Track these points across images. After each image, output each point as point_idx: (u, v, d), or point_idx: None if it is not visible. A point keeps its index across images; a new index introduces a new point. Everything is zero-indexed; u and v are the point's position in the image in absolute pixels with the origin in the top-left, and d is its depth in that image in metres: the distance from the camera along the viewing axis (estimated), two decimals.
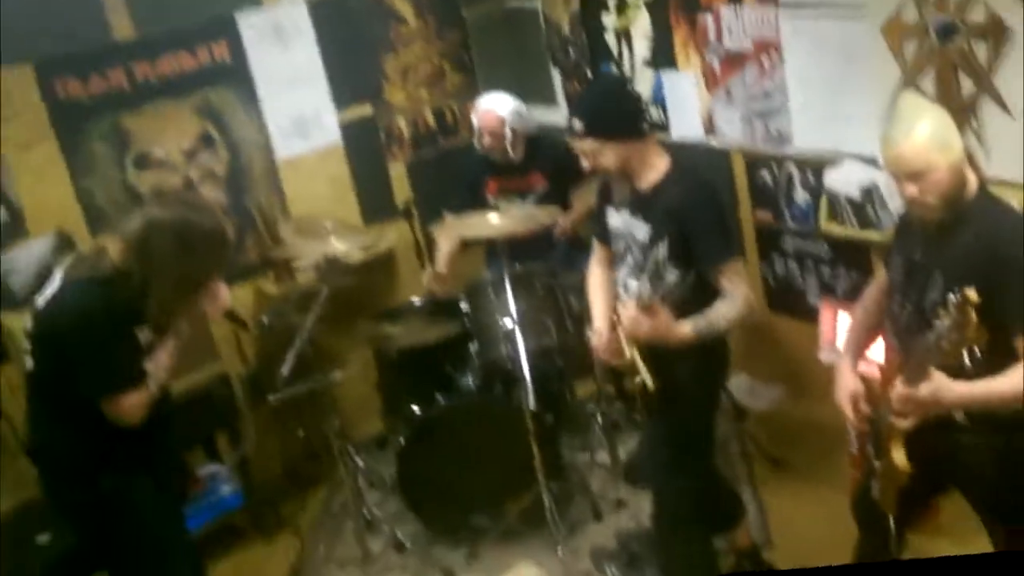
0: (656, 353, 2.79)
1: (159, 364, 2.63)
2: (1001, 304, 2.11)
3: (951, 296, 1.96)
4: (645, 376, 2.79)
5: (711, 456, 3.18)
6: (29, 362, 2.61)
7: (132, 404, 2.53)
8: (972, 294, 1.92)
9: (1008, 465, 2.28)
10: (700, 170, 2.95)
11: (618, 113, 2.83)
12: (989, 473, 2.32)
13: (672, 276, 2.55)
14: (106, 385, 2.52)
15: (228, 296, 2.73)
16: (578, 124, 2.79)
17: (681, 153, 2.96)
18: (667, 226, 2.72)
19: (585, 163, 2.85)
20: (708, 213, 2.77)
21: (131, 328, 2.56)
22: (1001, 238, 2.20)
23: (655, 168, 2.82)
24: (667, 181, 2.80)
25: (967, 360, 2.15)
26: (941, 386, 2.11)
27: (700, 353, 2.78)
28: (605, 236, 3.03)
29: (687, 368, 2.81)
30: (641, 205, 2.84)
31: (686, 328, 2.67)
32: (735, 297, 2.70)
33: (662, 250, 2.54)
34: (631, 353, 2.85)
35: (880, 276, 2.61)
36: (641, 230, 2.82)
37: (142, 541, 2.69)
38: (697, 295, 2.69)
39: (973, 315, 1.92)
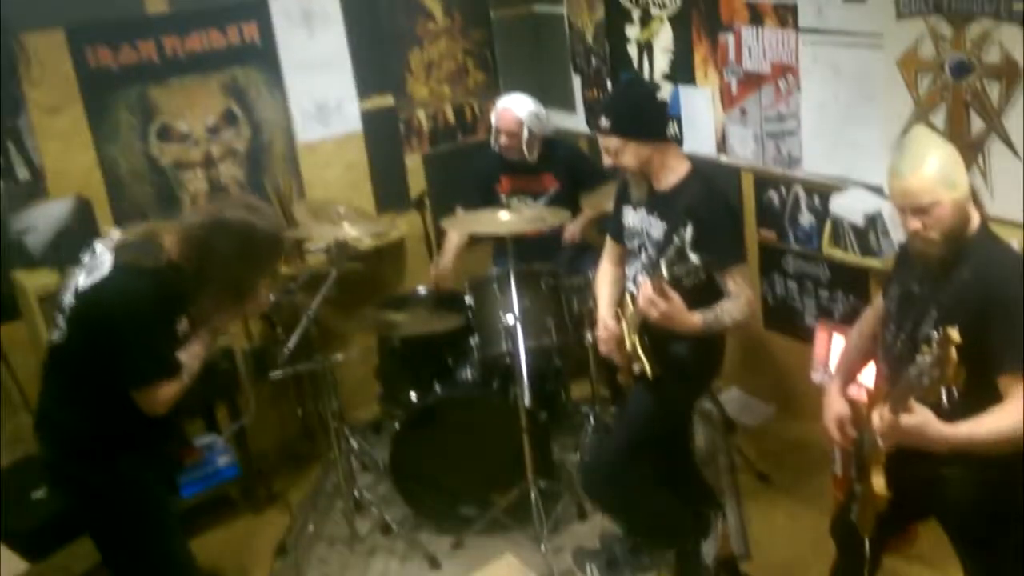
0: (655, 344, 2.88)
1: (193, 355, 2.63)
2: (987, 342, 2.13)
3: (934, 333, 1.98)
4: (645, 364, 2.87)
5: (687, 449, 3.30)
6: (56, 336, 2.59)
7: (167, 395, 2.54)
8: (954, 334, 1.93)
9: (986, 499, 2.31)
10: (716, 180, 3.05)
11: (644, 115, 2.93)
12: (967, 505, 2.34)
13: (695, 258, 2.57)
14: (146, 375, 2.52)
15: (270, 298, 2.73)
16: (605, 121, 2.88)
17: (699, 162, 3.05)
18: (684, 224, 2.78)
19: (607, 160, 2.93)
20: (723, 216, 2.87)
21: (175, 320, 2.57)
22: (996, 277, 2.22)
23: (675, 171, 2.92)
24: (686, 183, 2.90)
25: (944, 398, 2.16)
26: (924, 421, 2.12)
27: (697, 350, 2.89)
28: (620, 234, 3.12)
29: (681, 362, 2.92)
30: (659, 204, 2.92)
31: (696, 318, 2.76)
32: (740, 299, 2.80)
33: (688, 234, 2.56)
34: (631, 342, 2.93)
35: (877, 303, 2.63)
36: (657, 228, 2.91)
37: (145, 517, 2.69)
38: (704, 293, 2.77)
39: (953, 354, 1.93)
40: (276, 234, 2.59)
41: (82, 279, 2.55)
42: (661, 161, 2.91)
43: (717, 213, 2.84)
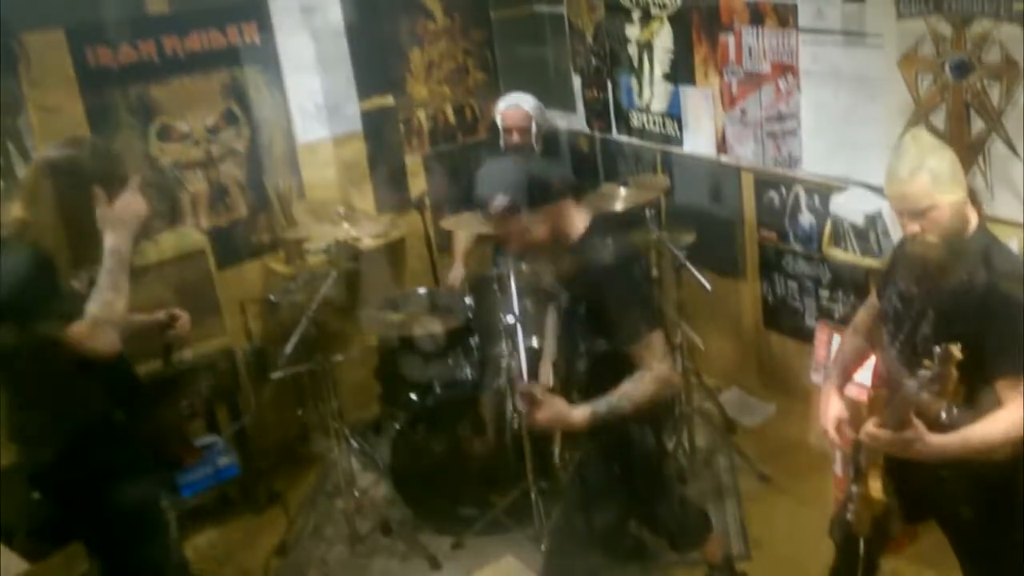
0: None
1: (106, 285, 2.44)
2: (985, 346, 2.12)
3: (936, 349, 1.95)
4: (556, 447, 2.71)
5: (660, 498, 3.08)
6: None
7: (82, 332, 2.37)
8: (956, 351, 1.91)
9: (984, 500, 2.30)
10: (617, 227, 2.77)
11: (548, 171, 2.65)
12: (965, 506, 2.33)
13: (545, 377, 2.45)
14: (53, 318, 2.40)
15: (142, 203, 2.54)
16: (501, 200, 2.47)
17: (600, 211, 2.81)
18: (582, 297, 2.58)
19: (513, 246, 2.61)
20: (622, 287, 2.56)
21: (55, 281, 2.46)
22: (993, 280, 2.21)
23: (576, 228, 2.59)
24: (584, 245, 2.58)
25: (944, 415, 2.13)
26: (919, 438, 2.10)
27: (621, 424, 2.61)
28: None
29: (611, 437, 2.68)
30: (557, 281, 2.68)
31: (583, 412, 2.53)
32: (644, 377, 2.50)
33: (545, 345, 2.42)
34: None
35: (872, 302, 2.62)
36: (564, 296, 2.67)
37: (135, 519, 2.69)
38: (609, 372, 2.55)
39: (954, 372, 1.92)
40: (101, 145, 2.61)
41: None
42: (568, 218, 2.56)
43: (615, 284, 2.52)
